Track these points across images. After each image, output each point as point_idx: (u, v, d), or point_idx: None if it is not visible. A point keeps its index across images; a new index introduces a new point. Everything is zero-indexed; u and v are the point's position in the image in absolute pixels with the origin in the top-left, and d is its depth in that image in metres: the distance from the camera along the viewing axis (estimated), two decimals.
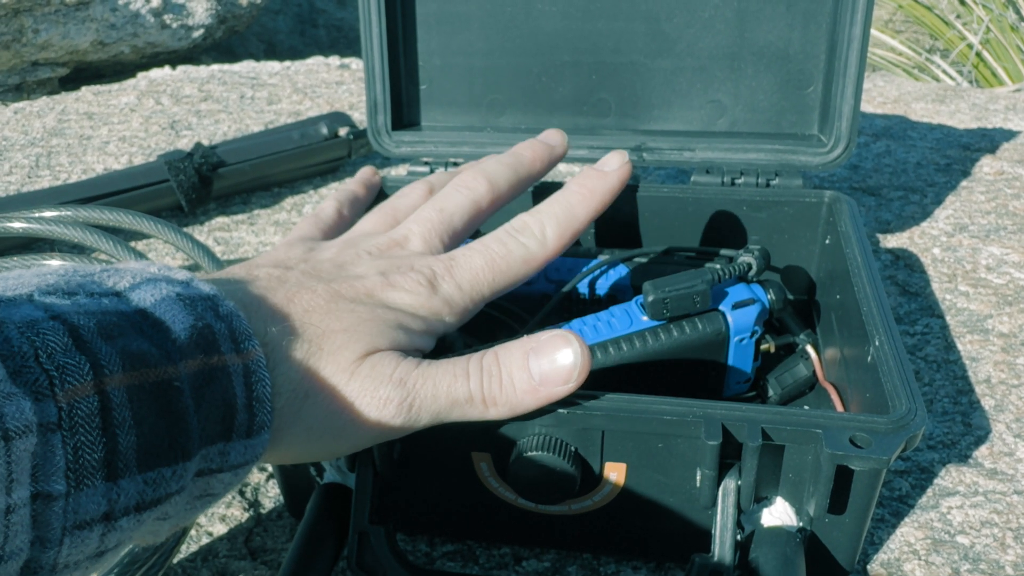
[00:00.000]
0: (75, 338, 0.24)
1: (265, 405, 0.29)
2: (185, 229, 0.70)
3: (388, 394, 0.32)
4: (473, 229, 0.42)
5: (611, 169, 0.41)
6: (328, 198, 0.48)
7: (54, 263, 0.28)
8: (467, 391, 0.33)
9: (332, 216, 0.46)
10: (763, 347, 0.46)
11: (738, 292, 0.44)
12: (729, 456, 0.34)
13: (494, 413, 0.33)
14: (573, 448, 0.35)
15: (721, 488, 0.34)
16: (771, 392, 0.46)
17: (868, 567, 0.40)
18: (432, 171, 0.57)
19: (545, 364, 0.33)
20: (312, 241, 0.41)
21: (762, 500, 0.36)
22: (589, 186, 0.41)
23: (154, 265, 0.29)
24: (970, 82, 2.05)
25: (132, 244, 0.59)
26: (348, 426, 0.31)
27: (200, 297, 0.28)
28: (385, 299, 0.35)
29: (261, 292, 0.33)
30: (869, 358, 0.38)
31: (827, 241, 0.51)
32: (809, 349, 0.47)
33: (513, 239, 0.38)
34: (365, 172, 0.53)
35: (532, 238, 0.39)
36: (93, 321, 0.25)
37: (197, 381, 0.27)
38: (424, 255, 0.38)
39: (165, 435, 0.25)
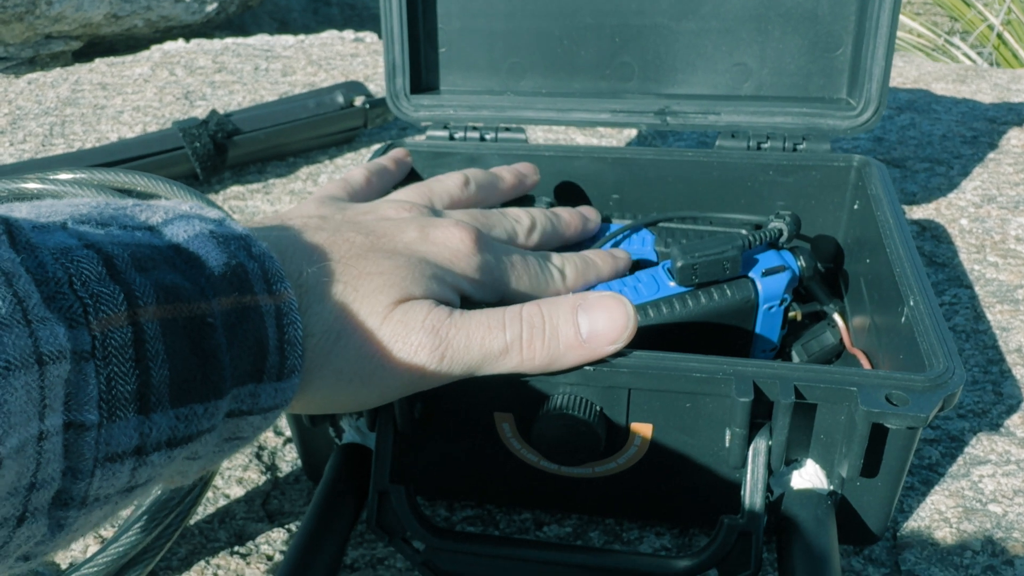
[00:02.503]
0: (109, 267, 0.23)
1: (296, 348, 0.28)
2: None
3: (420, 340, 0.31)
4: None
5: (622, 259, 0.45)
6: (357, 167, 0.47)
7: (86, 198, 0.28)
8: (503, 343, 0.32)
9: (360, 182, 0.45)
10: (790, 315, 0.45)
11: (768, 259, 0.43)
12: (759, 415, 0.33)
13: (529, 367, 0.33)
14: (598, 407, 0.34)
15: (752, 448, 0.33)
16: (797, 360, 0.45)
17: (898, 534, 0.40)
18: (452, 136, 0.56)
19: (597, 321, 0.33)
20: (342, 202, 0.41)
21: (792, 463, 0.35)
22: (611, 263, 0.43)
23: (186, 203, 0.29)
24: (991, 64, 2.02)
25: None
26: (378, 371, 0.31)
27: (233, 236, 0.28)
28: (424, 252, 0.34)
29: (298, 236, 0.32)
30: (903, 319, 0.37)
31: (856, 206, 0.50)
32: (836, 317, 0.46)
33: (547, 270, 0.40)
34: (398, 151, 0.52)
35: (561, 281, 0.40)
36: (127, 252, 0.24)
37: (230, 319, 0.26)
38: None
39: (198, 371, 0.25)
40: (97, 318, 0.22)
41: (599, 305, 0.33)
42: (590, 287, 0.42)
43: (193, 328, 0.25)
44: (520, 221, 0.43)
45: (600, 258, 0.43)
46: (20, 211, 0.25)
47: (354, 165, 0.81)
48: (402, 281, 0.32)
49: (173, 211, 0.28)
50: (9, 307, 0.20)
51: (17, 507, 0.21)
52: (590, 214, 0.48)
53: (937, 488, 0.42)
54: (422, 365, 0.31)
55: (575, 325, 0.33)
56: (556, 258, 0.41)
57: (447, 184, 0.45)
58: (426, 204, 0.41)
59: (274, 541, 0.40)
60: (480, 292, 0.36)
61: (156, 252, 0.25)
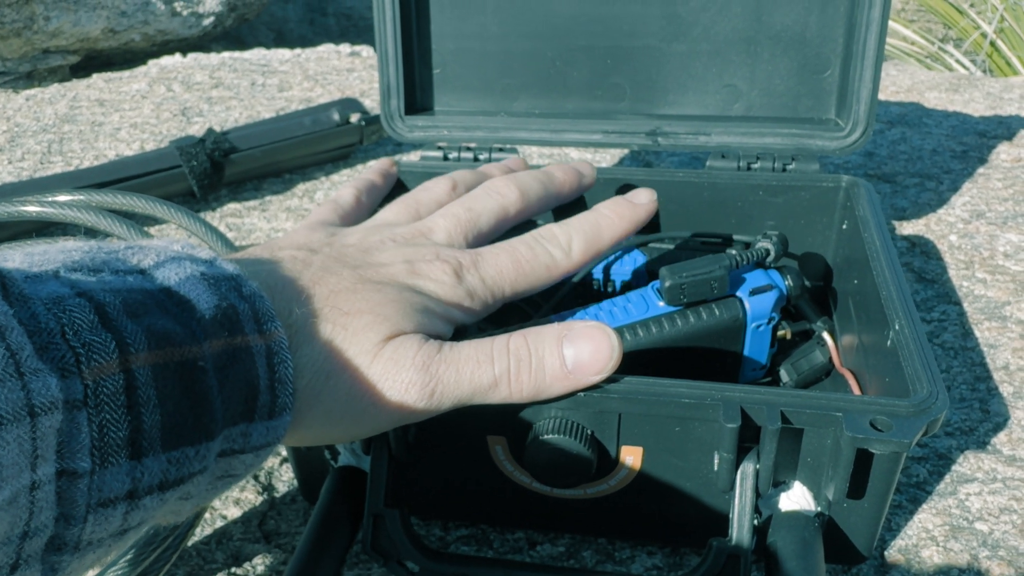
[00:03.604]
0: (101, 315, 0.24)
1: (287, 387, 0.29)
2: (197, 215, 0.70)
3: (411, 378, 0.31)
4: (496, 235, 0.42)
5: (640, 202, 0.43)
6: (345, 185, 0.47)
7: (78, 243, 0.28)
8: (492, 377, 0.33)
9: (351, 202, 0.46)
10: (779, 334, 0.46)
11: (755, 278, 0.44)
12: (747, 440, 0.34)
13: (517, 397, 0.33)
14: (589, 431, 0.35)
15: (739, 472, 0.34)
16: (786, 378, 0.46)
17: (885, 553, 0.40)
18: (446, 156, 0.57)
19: (583, 352, 0.33)
20: (333, 227, 0.41)
21: (780, 484, 0.36)
22: (619, 211, 0.42)
23: (178, 243, 0.29)
24: (984, 71, 2.03)
25: (145, 229, 0.59)
26: (369, 409, 0.31)
27: (224, 277, 0.28)
28: (411, 284, 0.35)
29: (286, 273, 0.33)
30: (889, 342, 0.37)
31: (844, 226, 0.50)
32: (825, 335, 0.47)
33: (540, 246, 0.39)
34: (383, 163, 0.53)
35: (559, 248, 0.39)
36: (119, 299, 0.25)
37: (221, 361, 0.27)
38: (449, 247, 0.38)
39: (189, 414, 0.25)
40: (89, 367, 0.23)
41: (584, 336, 0.33)
42: (601, 253, 0.41)
43: (184, 372, 0.25)
44: (506, 195, 0.42)
45: (614, 211, 0.42)
46: (14, 259, 0.25)
47: (350, 182, 0.81)
48: (391, 316, 0.32)
49: (164, 253, 0.28)
50: (2, 361, 0.20)
51: (10, 555, 0.21)
52: (584, 169, 0.48)
53: (924, 506, 0.43)
54: (412, 402, 0.31)
55: (560, 357, 0.33)
56: (561, 234, 0.40)
57: (435, 193, 0.44)
58: (414, 219, 0.41)
59: (270, 562, 0.41)
60: (472, 316, 0.37)
61: (148, 296, 0.26)
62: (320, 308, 0.31)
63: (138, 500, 0.24)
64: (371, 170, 0.51)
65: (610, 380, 0.34)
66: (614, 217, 0.42)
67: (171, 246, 0.29)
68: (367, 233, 0.39)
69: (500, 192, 0.42)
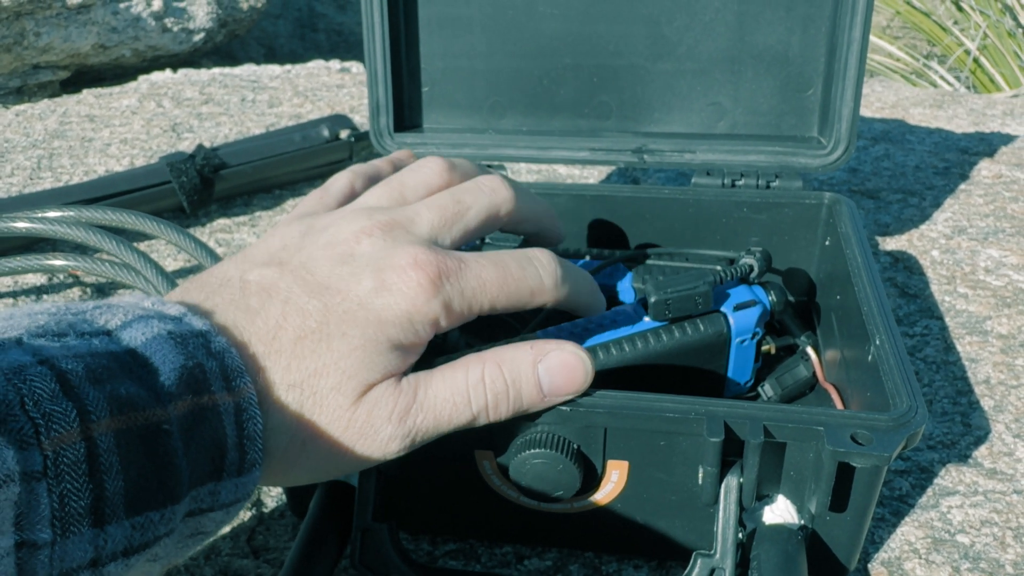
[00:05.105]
0: (63, 383, 0.23)
1: (256, 443, 0.28)
2: (187, 230, 0.70)
3: (390, 433, 0.32)
4: (481, 236, 0.39)
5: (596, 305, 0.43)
6: (343, 171, 0.43)
7: (46, 304, 0.28)
8: (470, 415, 0.33)
9: (343, 191, 0.41)
10: (764, 348, 0.46)
11: (739, 294, 0.45)
12: (731, 454, 0.34)
13: (495, 422, 0.34)
14: (576, 446, 0.35)
15: (723, 485, 0.35)
16: (771, 393, 0.47)
17: (869, 566, 0.41)
18: None
19: (557, 378, 0.34)
20: (310, 217, 0.37)
21: (764, 498, 0.36)
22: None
23: (148, 299, 0.29)
24: (968, 88, 2.05)
25: (135, 244, 0.59)
26: (350, 464, 0.32)
27: (192, 334, 0.28)
28: (379, 309, 0.32)
29: (251, 317, 0.31)
30: (870, 357, 0.38)
31: (827, 243, 0.51)
32: (809, 350, 0.47)
33: (532, 267, 0.36)
34: (400, 153, 0.48)
35: (550, 277, 0.37)
36: (81, 365, 0.24)
37: (187, 422, 0.26)
38: (430, 247, 0.34)
39: (153, 478, 0.25)
40: (49, 437, 0.22)
41: (558, 362, 0.34)
42: (582, 295, 0.39)
43: (148, 436, 0.25)
44: (500, 193, 0.38)
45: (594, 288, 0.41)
46: None
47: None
48: (358, 372, 0.31)
49: (132, 311, 0.28)
50: None
51: None
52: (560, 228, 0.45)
53: (907, 519, 0.43)
54: (394, 451, 0.32)
55: (537, 384, 0.34)
56: (555, 261, 0.37)
57: (424, 176, 0.39)
58: (398, 204, 0.38)
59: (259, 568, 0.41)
60: (447, 324, 0.34)
61: (112, 360, 0.25)
62: (288, 364, 0.30)
63: (102, 568, 0.24)
64: (383, 159, 0.46)
65: (596, 395, 0.35)
66: (596, 293, 0.41)
67: (141, 303, 0.28)
68: (342, 223, 0.35)
69: (494, 189, 0.38)
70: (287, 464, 0.30)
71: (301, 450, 0.31)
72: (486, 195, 0.38)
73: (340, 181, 0.41)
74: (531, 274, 0.36)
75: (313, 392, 0.31)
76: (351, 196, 0.41)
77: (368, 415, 0.31)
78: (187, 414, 0.26)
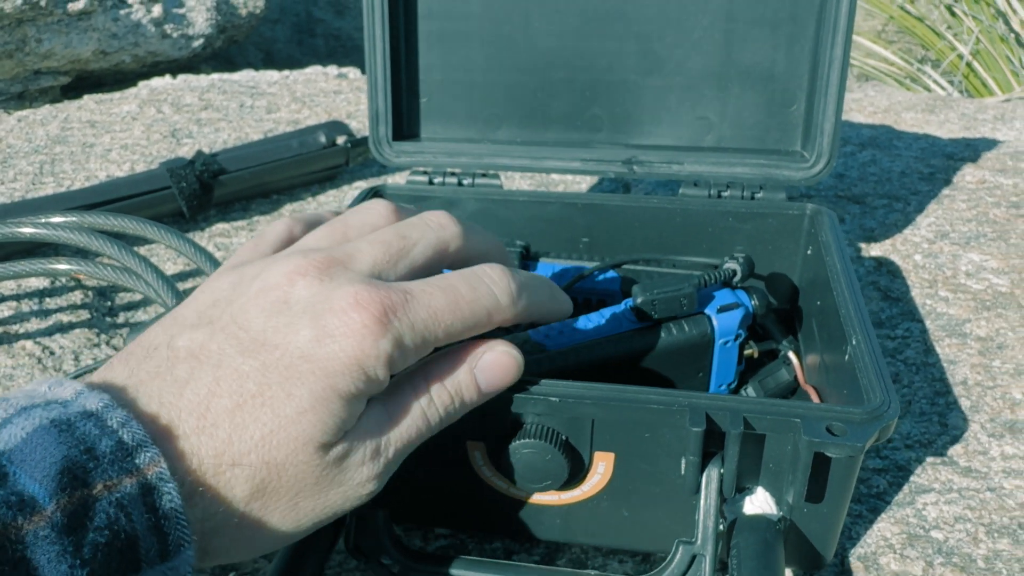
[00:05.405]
0: None
1: (176, 521, 0.26)
2: (186, 235, 0.72)
3: (362, 479, 0.32)
4: (428, 274, 0.35)
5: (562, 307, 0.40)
6: (281, 219, 0.40)
7: None
8: (429, 430, 0.34)
9: (280, 237, 0.38)
10: (747, 352, 0.48)
11: (723, 297, 0.46)
12: (712, 445, 0.36)
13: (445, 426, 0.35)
14: (564, 436, 0.37)
15: (704, 475, 0.36)
16: (753, 395, 0.48)
17: (845, 560, 0.42)
18: (431, 180, 0.59)
19: (494, 378, 0.35)
20: (244, 265, 0.34)
21: (744, 490, 0.38)
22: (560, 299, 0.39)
23: (45, 383, 0.27)
24: (961, 92, 2.08)
25: (136, 249, 0.61)
26: (326, 514, 0.32)
27: (81, 416, 0.26)
28: (323, 360, 0.30)
29: (180, 389, 0.29)
30: (847, 357, 0.40)
31: (809, 251, 0.53)
32: (791, 355, 0.49)
33: (484, 285, 0.34)
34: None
35: (505, 293, 0.34)
36: None
37: (72, 521, 0.24)
38: (372, 283, 0.31)
39: None
40: None
41: (492, 364, 0.35)
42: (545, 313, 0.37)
43: (4, 554, 0.22)
44: (447, 228, 0.36)
45: (553, 293, 0.38)
46: None
47: (336, 202, 0.83)
48: (315, 433, 0.29)
49: (17, 403, 0.26)
50: None
51: None
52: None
53: (883, 516, 0.45)
54: (370, 491, 0.32)
55: (476, 387, 0.35)
56: (507, 275, 0.35)
57: (368, 217, 0.37)
58: (339, 244, 0.35)
59: (256, 561, 0.43)
60: (400, 364, 0.32)
61: None
62: (229, 437, 0.28)
63: None
64: (327, 211, 0.43)
65: (583, 387, 0.37)
66: (562, 303, 0.39)
67: (35, 390, 0.27)
68: (273, 267, 0.32)
69: (442, 224, 0.36)
70: (252, 531, 0.29)
71: (262, 516, 0.29)
72: (433, 230, 0.35)
73: (276, 227, 0.38)
74: (484, 293, 0.33)
75: (265, 463, 0.29)
76: (289, 242, 0.38)
77: (338, 467, 0.31)
78: (72, 512, 0.24)
